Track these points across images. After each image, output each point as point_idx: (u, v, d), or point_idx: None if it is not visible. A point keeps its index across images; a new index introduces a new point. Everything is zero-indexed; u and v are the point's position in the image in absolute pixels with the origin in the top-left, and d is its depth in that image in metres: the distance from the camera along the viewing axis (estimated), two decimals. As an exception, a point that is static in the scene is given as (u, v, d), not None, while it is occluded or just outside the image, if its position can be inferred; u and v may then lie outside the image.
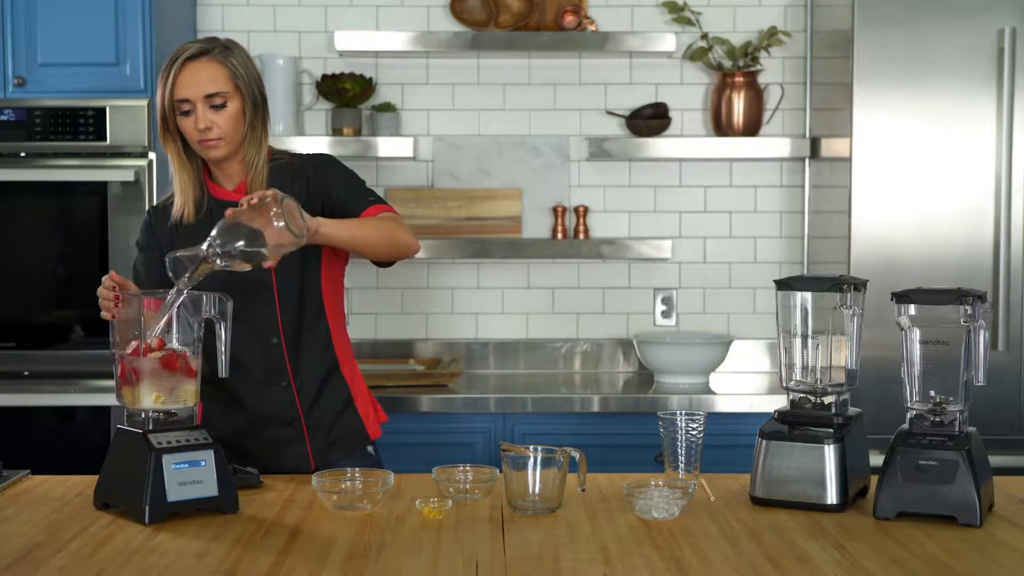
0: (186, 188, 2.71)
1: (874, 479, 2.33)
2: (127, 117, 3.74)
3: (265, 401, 2.71)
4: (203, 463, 2.25)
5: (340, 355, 2.78)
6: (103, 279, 2.45)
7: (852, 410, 2.41)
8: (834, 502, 2.29)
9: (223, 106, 2.64)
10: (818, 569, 1.96)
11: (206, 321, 2.33)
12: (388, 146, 4.06)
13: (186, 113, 2.64)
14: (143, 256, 2.80)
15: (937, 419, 2.29)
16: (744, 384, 4.01)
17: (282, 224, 2.32)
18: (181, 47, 2.68)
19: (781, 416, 2.40)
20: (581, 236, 4.18)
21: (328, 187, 2.74)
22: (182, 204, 2.71)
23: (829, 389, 2.39)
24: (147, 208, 2.80)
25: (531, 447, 2.30)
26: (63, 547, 2.07)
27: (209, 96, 2.63)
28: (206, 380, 2.55)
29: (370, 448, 2.79)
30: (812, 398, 2.39)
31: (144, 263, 2.78)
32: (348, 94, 4.12)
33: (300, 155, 2.82)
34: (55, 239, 3.83)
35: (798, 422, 2.37)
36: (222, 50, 2.67)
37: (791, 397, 2.41)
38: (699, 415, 2.46)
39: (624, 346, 4.27)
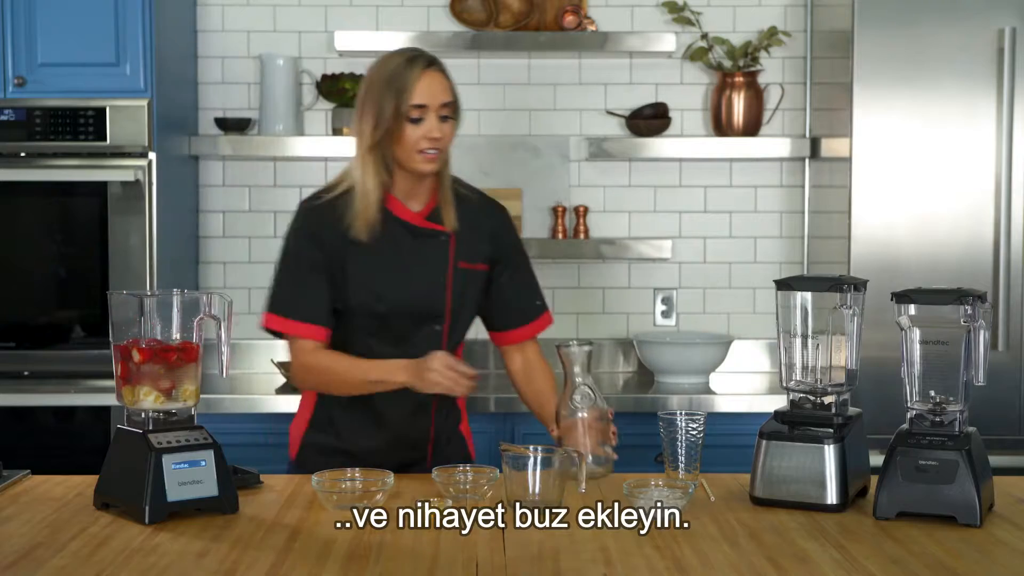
0: (371, 208, 2.61)
1: (874, 479, 2.33)
2: (127, 117, 3.74)
3: (408, 426, 2.72)
4: (203, 463, 2.25)
5: None
6: (462, 370, 2.51)
7: (852, 410, 2.41)
8: (834, 502, 2.29)
9: (449, 118, 2.62)
10: (818, 569, 1.96)
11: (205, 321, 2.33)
12: (388, 146, 4.06)
13: (417, 120, 2.58)
14: (298, 271, 2.66)
15: (937, 419, 2.29)
16: (744, 384, 4.01)
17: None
18: (402, 55, 2.61)
19: (781, 416, 2.40)
20: (581, 236, 4.18)
21: (503, 261, 2.77)
22: (363, 224, 2.61)
23: (829, 389, 2.39)
24: (302, 204, 2.68)
25: (531, 447, 2.30)
26: (63, 547, 2.07)
27: (444, 105, 2.60)
28: (348, 403, 2.66)
29: None
30: (812, 398, 2.39)
31: (318, 282, 2.64)
32: (348, 94, 4.12)
33: (479, 193, 2.81)
34: (55, 239, 3.83)
35: (798, 422, 2.37)
36: (440, 62, 2.65)
37: (791, 397, 2.42)
38: (699, 415, 2.47)
39: (624, 346, 4.27)
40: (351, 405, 2.71)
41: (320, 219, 2.66)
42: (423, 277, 2.66)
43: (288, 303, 2.67)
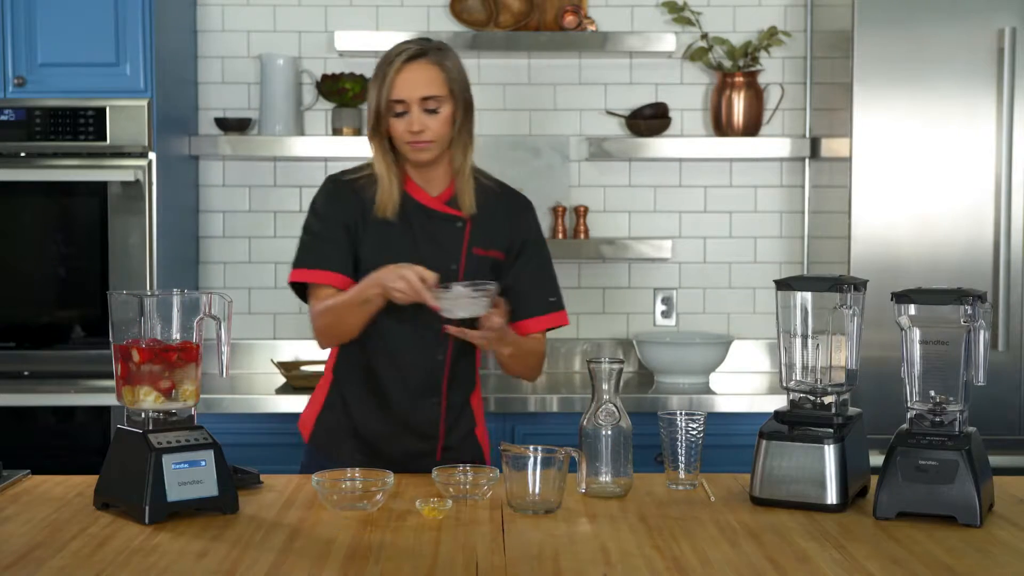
0: (392, 189, 2.69)
1: (874, 479, 2.33)
2: (127, 117, 3.74)
3: (415, 413, 2.73)
4: (203, 463, 2.25)
5: (477, 382, 2.84)
6: (407, 275, 2.50)
7: (852, 410, 2.41)
8: (834, 502, 2.29)
9: (436, 110, 2.64)
10: (818, 569, 1.96)
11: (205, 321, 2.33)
12: (388, 146, 4.06)
13: (400, 115, 2.63)
14: (325, 226, 2.73)
15: (937, 419, 2.29)
16: (744, 384, 4.01)
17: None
18: (397, 47, 2.66)
19: (781, 416, 2.40)
20: (581, 236, 4.18)
21: (519, 251, 2.76)
22: (384, 203, 2.68)
23: (829, 389, 2.39)
24: (329, 179, 2.78)
25: (531, 447, 2.30)
26: (63, 547, 2.07)
27: (425, 99, 2.63)
28: (362, 379, 2.69)
29: None
30: (812, 398, 2.39)
31: (330, 232, 2.71)
32: (348, 94, 4.12)
33: (503, 185, 2.83)
34: (55, 239, 3.83)
35: (798, 422, 2.37)
36: (437, 52, 2.66)
37: (791, 397, 2.41)
38: (699, 415, 2.47)
39: (624, 346, 4.27)
40: (361, 385, 2.73)
41: (345, 191, 2.74)
42: (436, 259, 2.67)
43: (312, 256, 2.71)
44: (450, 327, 2.55)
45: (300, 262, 2.74)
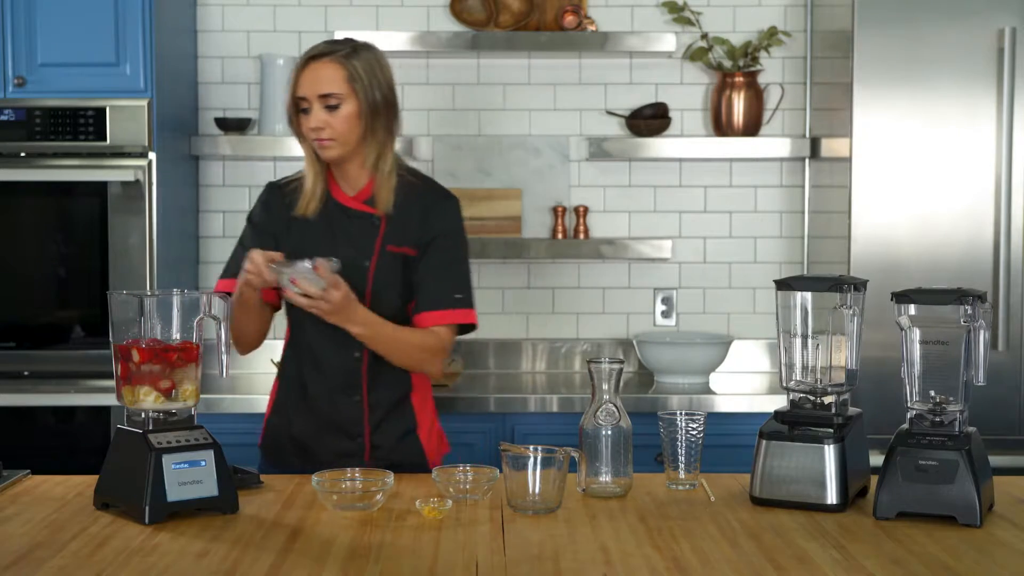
0: (315, 184, 2.75)
1: (874, 479, 2.33)
2: (127, 117, 3.74)
3: (337, 410, 2.76)
4: (203, 463, 2.25)
5: (416, 382, 2.82)
6: (253, 256, 2.54)
7: (852, 410, 2.41)
8: (834, 502, 2.29)
9: (336, 107, 2.67)
10: (818, 569, 1.96)
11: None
12: (388, 146, 4.06)
13: (304, 111, 2.69)
14: (253, 234, 2.80)
15: (937, 419, 2.29)
16: (744, 384, 4.01)
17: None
18: (313, 46, 2.72)
19: (781, 416, 2.40)
20: (581, 236, 4.18)
21: (428, 245, 2.74)
22: (307, 200, 2.74)
23: (829, 389, 2.39)
24: (267, 184, 2.85)
25: (531, 447, 2.30)
26: (63, 547, 2.07)
27: (323, 96, 2.66)
28: (293, 376, 2.73)
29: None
30: (812, 398, 2.39)
31: (254, 242, 2.76)
32: (348, 94, 4.12)
33: (428, 181, 2.84)
34: (55, 239, 3.83)
35: (798, 422, 2.37)
36: (348, 52, 2.69)
37: (791, 397, 2.41)
38: (699, 415, 2.47)
39: (624, 346, 4.27)
40: (295, 387, 2.79)
41: (278, 196, 2.81)
42: (351, 258, 2.69)
43: (234, 264, 2.76)
44: (286, 291, 2.54)
45: (224, 272, 2.82)
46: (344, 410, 2.76)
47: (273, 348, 4.16)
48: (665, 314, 4.30)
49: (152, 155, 3.75)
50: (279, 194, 2.81)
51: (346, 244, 2.73)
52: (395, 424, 2.79)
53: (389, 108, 2.73)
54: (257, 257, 2.55)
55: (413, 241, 2.75)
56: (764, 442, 2.35)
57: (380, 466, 2.71)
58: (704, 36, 4.19)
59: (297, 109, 2.71)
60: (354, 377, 2.75)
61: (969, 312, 2.28)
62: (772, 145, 4.11)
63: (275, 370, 4.02)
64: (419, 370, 2.78)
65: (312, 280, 2.51)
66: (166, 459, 2.21)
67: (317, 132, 2.68)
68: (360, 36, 4.02)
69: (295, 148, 4.06)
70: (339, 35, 4.02)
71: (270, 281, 2.55)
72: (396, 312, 2.74)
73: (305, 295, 2.52)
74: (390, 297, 2.74)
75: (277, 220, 2.79)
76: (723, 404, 3.73)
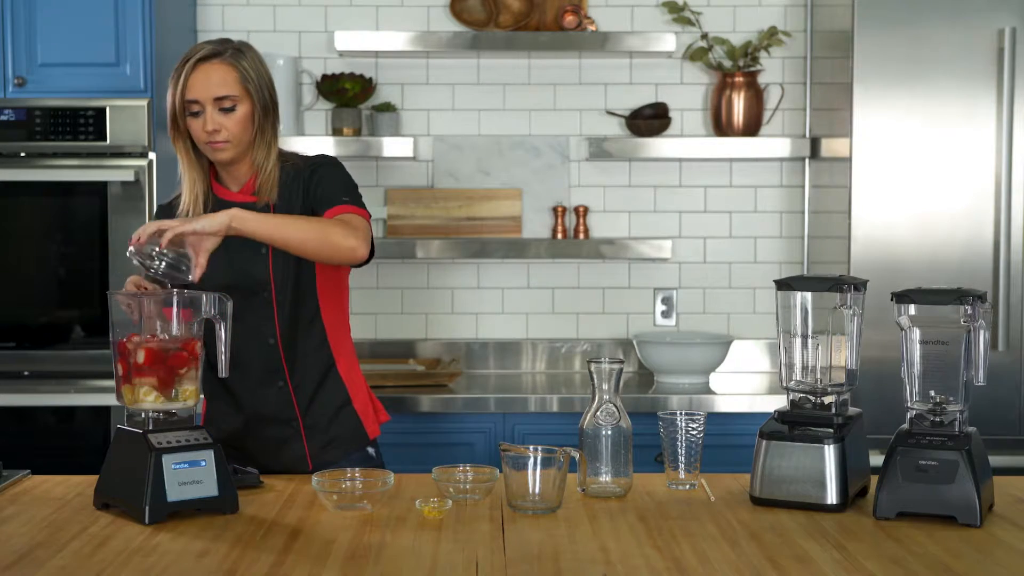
0: (194, 187, 2.72)
1: (874, 479, 2.33)
2: (127, 117, 3.74)
3: (263, 401, 2.72)
4: (203, 463, 2.25)
5: (337, 355, 2.78)
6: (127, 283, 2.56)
7: (852, 410, 2.41)
8: (834, 502, 2.29)
9: (232, 109, 2.65)
10: (818, 569, 1.96)
11: (206, 321, 2.33)
12: (388, 146, 4.07)
13: (195, 114, 2.65)
14: None
15: (937, 419, 2.29)
16: (744, 384, 4.01)
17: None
18: (193, 47, 2.67)
19: (781, 416, 2.39)
20: (581, 236, 4.18)
21: (314, 186, 2.72)
22: (189, 203, 2.72)
23: (829, 389, 2.39)
24: (156, 206, 2.85)
25: (531, 447, 2.30)
26: (63, 547, 2.07)
27: (219, 99, 2.64)
28: (208, 379, 2.60)
29: (370, 449, 2.79)
30: (812, 398, 2.39)
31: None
32: (348, 94, 4.12)
33: (307, 157, 2.83)
34: (55, 239, 3.83)
35: (798, 422, 2.37)
36: (234, 52, 2.67)
37: (791, 397, 2.41)
38: (699, 415, 2.46)
39: (624, 346, 4.27)
40: (216, 392, 2.73)
41: (165, 213, 2.79)
42: (245, 249, 2.64)
43: None
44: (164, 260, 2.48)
45: None
46: (272, 398, 2.72)
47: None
48: (665, 314, 4.30)
49: (152, 155, 3.75)
50: (168, 211, 2.78)
51: (238, 239, 2.59)
52: (328, 398, 2.76)
53: (275, 107, 2.75)
54: (129, 282, 2.61)
55: (300, 206, 2.70)
56: (764, 442, 2.35)
57: (318, 444, 2.73)
58: (704, 36, 4.20)
59: (185, 112, 2.66)
60: (273, 363, 2.70)
61: (969, 312, 2.28)
62: (772, 145, 4.11)
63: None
64: (332, 246, 2.53)
65: (179, 258, 2.45)
66: (166, 459, 2.21)
67: (212, 135, 2.64)
68: (360, 36, 4.07)
69: (295, 148, 4.06)
70: (339, 35, 4.04)
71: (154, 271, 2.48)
72: (296, 284, 2.69)
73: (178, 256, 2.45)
74: (300, 280, 2.69)
75: None
76: (723, 404, 3.73)
